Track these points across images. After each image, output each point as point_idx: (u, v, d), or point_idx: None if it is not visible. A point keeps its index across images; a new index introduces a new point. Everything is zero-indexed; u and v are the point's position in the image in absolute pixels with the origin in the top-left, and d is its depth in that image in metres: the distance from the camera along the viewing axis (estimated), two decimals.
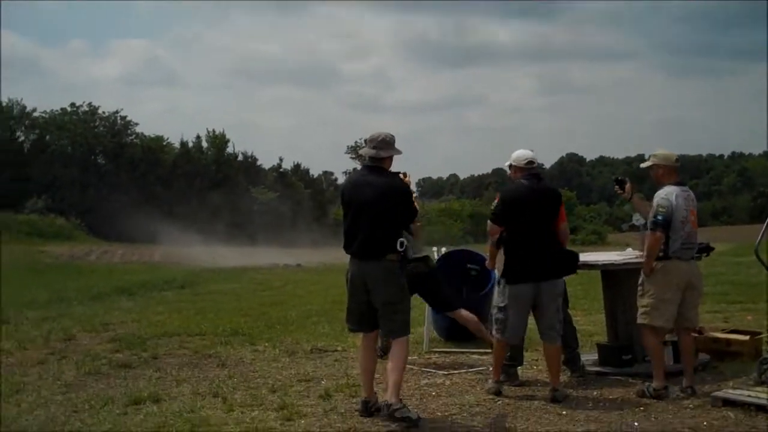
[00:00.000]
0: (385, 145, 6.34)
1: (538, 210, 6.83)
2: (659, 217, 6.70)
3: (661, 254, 6.75)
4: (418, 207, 6.75)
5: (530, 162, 6.99)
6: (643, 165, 7.30)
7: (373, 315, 6.33)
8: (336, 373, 7.97)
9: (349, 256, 6.43)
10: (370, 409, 6.33)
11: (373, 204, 6.22)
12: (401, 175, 6.59)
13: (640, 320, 6.90)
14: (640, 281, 6.93)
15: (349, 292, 6.50)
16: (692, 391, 6.71)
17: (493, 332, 7.11)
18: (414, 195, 6.83)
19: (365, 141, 6.41)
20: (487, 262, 7.58)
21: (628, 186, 7.38)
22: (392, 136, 6.40)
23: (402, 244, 6.24)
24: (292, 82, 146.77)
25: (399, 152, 6.42)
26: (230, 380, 7.81)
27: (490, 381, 7.16)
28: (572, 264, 7.03)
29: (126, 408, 6.78)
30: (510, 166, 7.15)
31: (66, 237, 46.69)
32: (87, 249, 38.60)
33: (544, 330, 6.91)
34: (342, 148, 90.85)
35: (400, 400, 6.14)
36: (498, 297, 7.00)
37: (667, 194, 6.80)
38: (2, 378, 8.00)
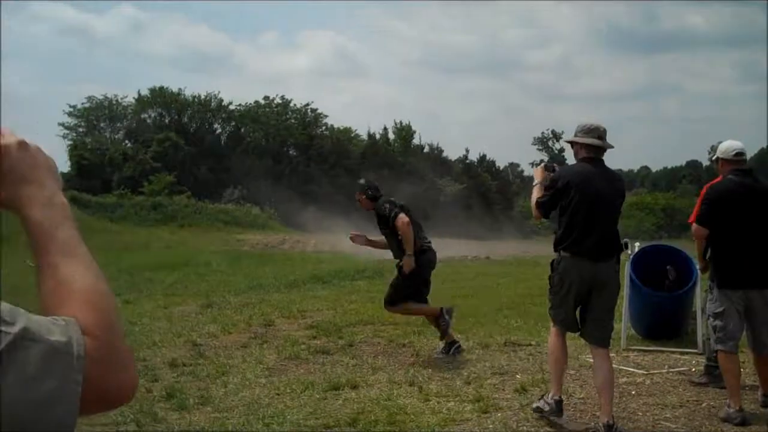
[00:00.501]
0: (606, 135, 5.97)
1: (749, 210, 6.19)
2: None
3: None
4: None
5: (740, 154, 6.39)
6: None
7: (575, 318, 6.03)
8: (531, 368, 7.86)
9: (564, 255, 5.93)
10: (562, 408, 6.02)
11: (609, 200, 5.87)
12: (542, 168, 6.35)
13: None
14: None
15: (562, 296, 5.98)
16: None
17: (712, 343, 6.53)
18: None
19: (580, 130, 5.98)
20: (698, 265, 7.20)
21: None
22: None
23: (626, 244, 6.04)
24: (478, 72, 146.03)
25: (612, 146, 6.06)
26: (425, 370, 7.86)
27: (728, 408, 6.08)
28: None
29: (325, 393, 6.96)
30: (716, 159, 6.56)
31: (261, 226, 48.61)
32: (281, 238, 40.00)
33: (756, 340, 6.32)
34: (527, 139, 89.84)
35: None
36: (711, 303, 6.41)
37: None
38: (209, 360, 8.39)
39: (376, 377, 7.59)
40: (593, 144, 5.90)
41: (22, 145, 1.18)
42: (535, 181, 6.33)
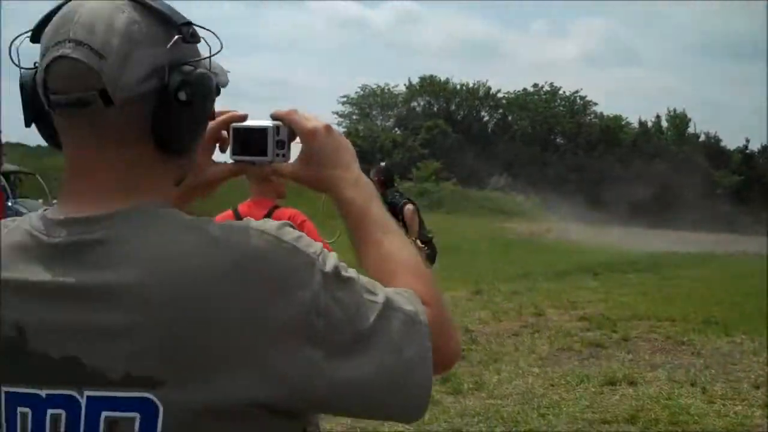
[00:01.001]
0: None
1: None
2: None
3: None
4: None
5: None
6: None
7: None
8: None
9: None
10: None
11: None
12: None
13: None
14: None
15: None
16: None
17: None
18: None
19: None
20: None
21: None
22: None
23: None
24: (760, 56, 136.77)
25: None
26: (707, 370, 7.49)
27: None
28: None
29: (601, 387, 6.81)
30: None
31: (525, 214, 48.46)
32: (546, 227, 39.65)
33: None
34: None
35: None
36: None
37: None
38: (481, 346, 8.47)
39: (655, 374, 7.32)
40: None
41: (328, 129, 1.24)
42: None
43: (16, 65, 1.08)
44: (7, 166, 21.96)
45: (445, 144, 60.30)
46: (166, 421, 0.95)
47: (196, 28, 1.08)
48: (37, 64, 1.05)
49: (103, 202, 1.02)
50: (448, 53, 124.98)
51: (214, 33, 1.11)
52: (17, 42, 1.07)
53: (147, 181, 1.06)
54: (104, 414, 0.97)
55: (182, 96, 1.03)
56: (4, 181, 19.73)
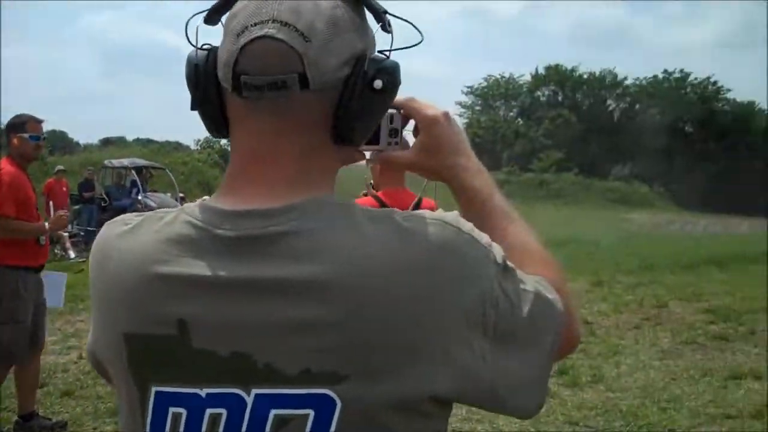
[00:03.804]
0: None
1: None
2: None
3: None
4: None
5: None
6: None
7: None
8: None
9: None
10: None
11: None
12: None
13: None
14: None
15: None
16: None
17: None
18: None
19: None
20: None
21: None
22: None
23: None
24: None
25: None
26: None
27: None
28: None
29: (725, 381, 6.63)
30: None
31: (649, 205, 47.29)
32: (670, 218, 38.63)
33: None
34: None
35: None
36: None
37: None
38: (600, 339, 8.34)
39: None
40: None
41: (448, 117, 1.21)
42: None
43: (193, 46, 1.06)
44: (137, 161, 22.89)
45: (568, 134, 59.41)
46: (343, 417, 0.94)
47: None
48: (208, 46, 1.05)
49: (280, 193, 1.01)
50: (576, 40, 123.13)
51: (411, 23, 1.10)
52: (194, 21, 1.05)
53: (321, 171, 1.05)
54: (273, 412, 0.95)
55: (378, 84, 1.02)
56: (135, 176, 20.60)
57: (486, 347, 0.98)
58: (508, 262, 1.04)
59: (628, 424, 5.55)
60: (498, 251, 1.03)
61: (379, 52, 1.06)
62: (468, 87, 71.16)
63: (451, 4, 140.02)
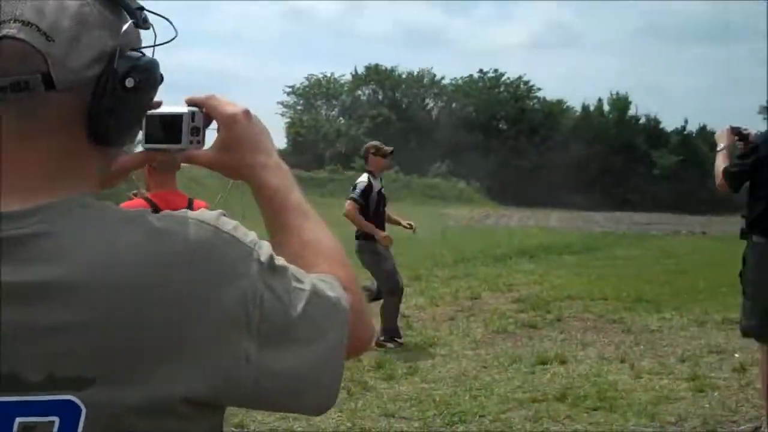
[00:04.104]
0: None
1: None
2: None
3: None
4: None
5: None
6: None
7: None
8: (751, 346, 7.42)
9: (759, 241, 5.02)
10: None
11: None
12: (729, 131, 5.24)
13: None
14: None
15: (764, 293, 5.00)
16: None
17: None
18: None
19: None
20: None
21: None
22: None
23: None
24: (704, 40, 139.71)
25: None
26: (636, 347, 7.66)
27: None
28: None
29: (533, 367, 6.91)
30: None
31: (465, 201, 48.78)
32: (485, 212, 40.00)
33: None
34: (753, 108, 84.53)
35: None
36: None
37: None
38: (417, 331, 8.52)
39: (585, 353, 7.45)
40: None
41: (248, 114, 1.20)
42: (721, 146, 5.26)
43: None
44: None
45: (389, 132, 60.33)
46: (89, 423, 0.90)
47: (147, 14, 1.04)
48: None
49: (33, 194, 0.96)
50: (394, 41, 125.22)
51: (167, 19, 1.08)
52: None
53: (77, 172, 1.01)
54: (18, 420, 0.90)
55: (129, 83, 0.99)
56: None
57: (251, 347, 0.96)
58: (278, 261, 1.03)
59: (441, 412, 5.68)
60: (265, 250, 1.02)
61: (133, 49, 1.03)
62: (289, 87, 71.04)
63: (271, 4, 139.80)
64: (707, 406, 5.72)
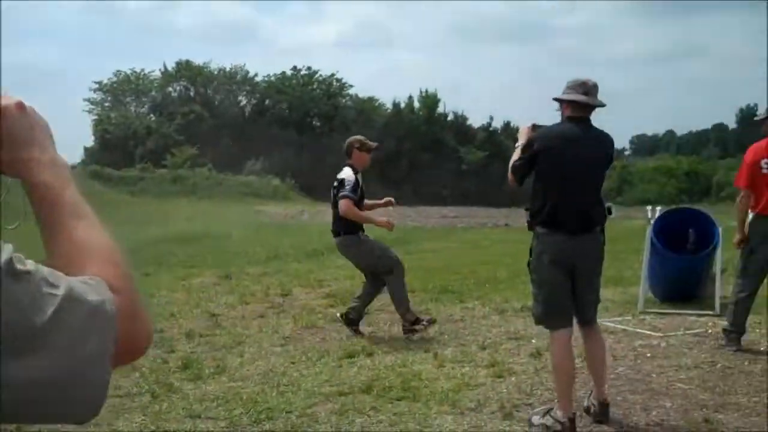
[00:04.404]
0: (596, 91, 5.16)
1: None
2: None
3: None
4: None
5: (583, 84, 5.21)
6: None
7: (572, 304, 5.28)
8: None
9: (540, 231, 5.22)
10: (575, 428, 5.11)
11: (591, 165, 5.19)
12: (530, 128, 5.44)
13: None
14: None
15: (548, 280, 5.22)
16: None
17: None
18: None
19: (567, 85, 5.27)
20: (735, 237, 7.11)
21: None
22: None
23: (610, 210, 5.34)
24: (507, 39, 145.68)
25: (603, 104, 5.29)
26: (441, 336, 7.88)
27: None
28: None
29: (340, 361, 6.97)
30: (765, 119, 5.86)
31: (281, 198, 48.70)
32: (300, 209, 40.03)
33: None
34: (553, 104, 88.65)
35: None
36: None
37: None
38: (226, 330, 8.43)
39: (392, 344, 7.60)
40: (578, 101, 5.12)
41: (20, 106, 1.15)
42: (519, 143, 5.44)
43: None
44: None
45: (201, 130, 59.30)
46: None
47: None
48: None
49: None
50: (207, 37, 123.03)
51: None
52: None
53: None
54: None
55: None
56: None
57: None
58: (22, 265, 0.97)
59: (248, 410, 5.64)
60: (4, 255, 0.96)
61: None
62: (96, 83, 68.33)
63: None
64: (505, 391, 5.95)
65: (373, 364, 6.84)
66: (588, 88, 5.13)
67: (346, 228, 7.92)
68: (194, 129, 59.13)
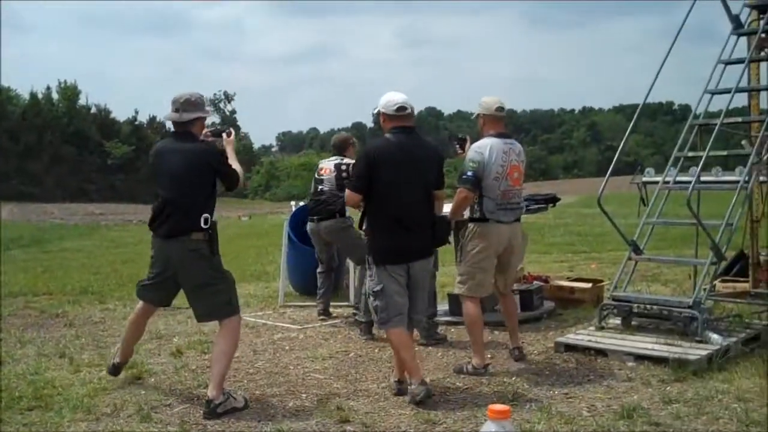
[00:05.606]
0: (189, 106, 5.34)
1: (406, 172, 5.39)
2: (468, 173, 5.86)
3: (476, 215, 6.00)
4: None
5: (402, 108, 5.41)
6: (473, 116, 6.40)
7: (173, 294, 5.80)
8: (188, 330, 7.87)
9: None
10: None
11: (177, 175, 5.31)
12: (225, 135, 5.65)
13: (457, 290, 6.24)
14: (459, 245, 6.28)
15: (155, 272, 5.66)
16: (519, 354, 6.41)
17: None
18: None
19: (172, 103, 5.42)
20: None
21: (468, 145, 6.28)
22: (200, 95, 5.45)
23: (207, 220, 5.30)
24: (148, 31, 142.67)
25: (207, 114, 5.49)
26: (78, 340, 7.62)
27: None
28: None
29: None
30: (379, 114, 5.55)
31: None
32: None
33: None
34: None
35: (223, 391, 5.33)
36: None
37: (481, 147, 5.93)
38: None
39: (24, 351, 7.20)
40: (171, 119, 5.45)
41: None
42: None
43: None
44: None
45: None
46: None
47: None
48: None
49: None
50: None
51: None
52: None
53: None
54: None
55: None
56: None
57: None
58: None
59: None
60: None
61: None
62: None
63: None
64: (143, 392, 5.86)
65: (2, 373, 6.43)
66: (180, 105, 5.35)
67: (342, 210, 7.96)
68: None
